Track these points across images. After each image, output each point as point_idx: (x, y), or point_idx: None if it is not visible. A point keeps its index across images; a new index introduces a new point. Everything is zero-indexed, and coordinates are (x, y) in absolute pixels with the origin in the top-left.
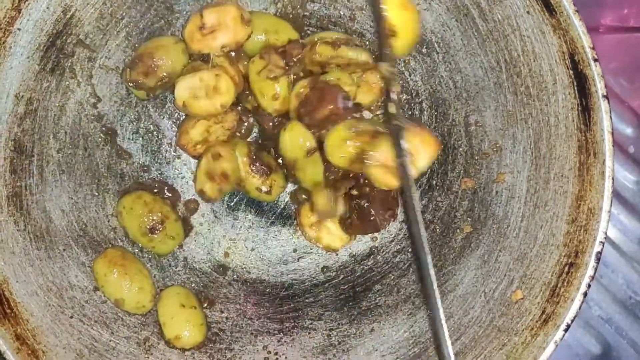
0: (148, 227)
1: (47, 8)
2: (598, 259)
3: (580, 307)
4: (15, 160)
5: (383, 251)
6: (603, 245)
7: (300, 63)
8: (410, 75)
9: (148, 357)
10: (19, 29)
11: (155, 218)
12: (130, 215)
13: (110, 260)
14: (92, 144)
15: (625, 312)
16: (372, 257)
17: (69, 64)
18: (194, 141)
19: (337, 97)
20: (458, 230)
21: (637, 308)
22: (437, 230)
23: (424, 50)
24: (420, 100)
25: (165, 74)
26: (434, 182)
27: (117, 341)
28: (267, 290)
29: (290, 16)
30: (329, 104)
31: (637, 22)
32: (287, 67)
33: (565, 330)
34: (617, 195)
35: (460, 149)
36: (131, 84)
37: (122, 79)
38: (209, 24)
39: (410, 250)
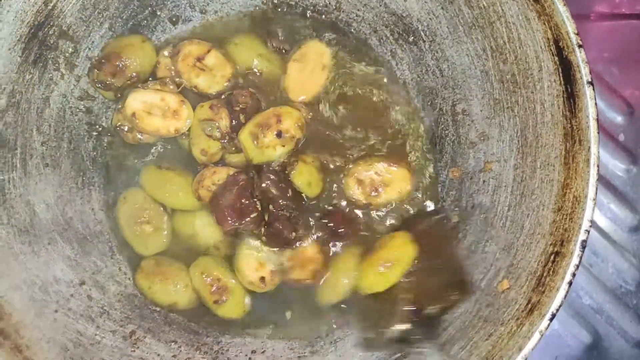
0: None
1: None
2: (583, 248)
3: (565, 297)
4: None
5: None
6: (588, 234)
7: (243, 113)
8: (397, 64)
9: (134, 351)
10: None
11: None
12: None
13: (148, 272)
14: (77, 137)
15: (615, 302)
16: None
17: (52, 56)
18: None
19: (244, 213)
20: (446, 221)
21: (627, 297)
22: None
23: (411, 39)
24: (407, 89)
25: (134, 73)
26: None
27: (103, 335)
28: None
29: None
30: (236, 217)
31: (629, 8)
32: (225, 135)
33: (551, 320)
34: (607, 183)
35: (448, 138)
36: (99, 85)
37: (88, 79)
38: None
39: None
